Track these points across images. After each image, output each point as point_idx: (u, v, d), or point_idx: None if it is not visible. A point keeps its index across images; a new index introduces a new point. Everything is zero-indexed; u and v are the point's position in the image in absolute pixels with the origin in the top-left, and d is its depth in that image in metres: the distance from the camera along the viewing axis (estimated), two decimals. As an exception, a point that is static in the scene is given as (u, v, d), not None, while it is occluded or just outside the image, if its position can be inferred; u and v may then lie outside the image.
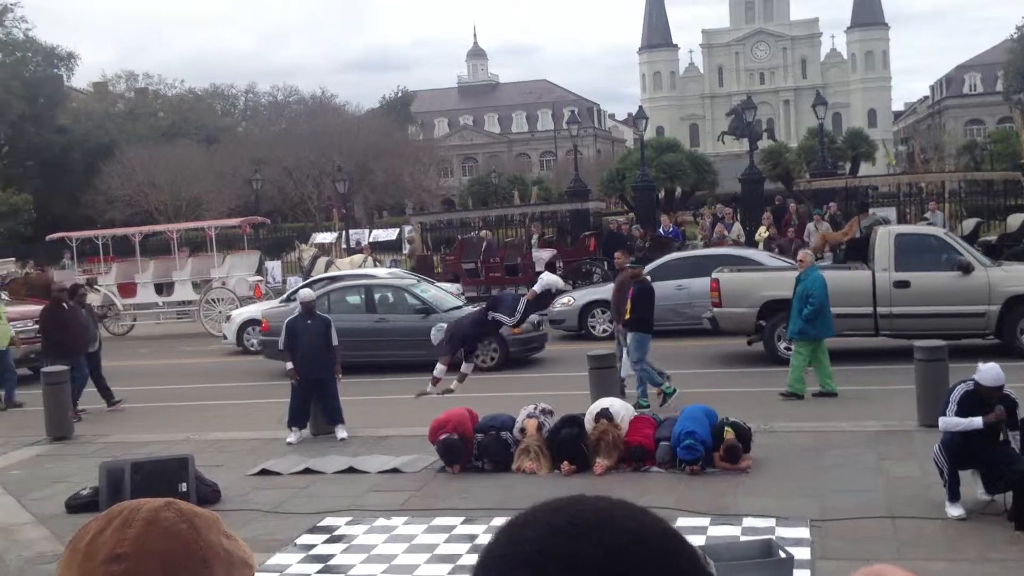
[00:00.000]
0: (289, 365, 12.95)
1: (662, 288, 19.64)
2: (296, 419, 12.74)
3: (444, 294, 20.16)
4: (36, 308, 20.03)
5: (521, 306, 11.99)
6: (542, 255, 25.95)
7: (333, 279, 22.51)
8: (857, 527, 8.21)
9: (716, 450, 10.17)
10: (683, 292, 19.79)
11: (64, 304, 15.62)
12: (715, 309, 17.00)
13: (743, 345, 17.16)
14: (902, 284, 15.96)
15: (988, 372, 8.21)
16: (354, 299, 19.00)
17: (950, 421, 8.24)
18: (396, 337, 18.02)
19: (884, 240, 16.45)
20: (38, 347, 18.29)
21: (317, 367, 12.81)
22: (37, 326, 18.29)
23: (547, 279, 12.40)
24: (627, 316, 13.91)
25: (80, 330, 15.56)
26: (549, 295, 12.37)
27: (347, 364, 17.86)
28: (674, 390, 13.67)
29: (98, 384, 15.99)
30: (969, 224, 27.01)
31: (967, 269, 15.78)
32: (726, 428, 10.30)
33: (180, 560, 1.28)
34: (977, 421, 8.09)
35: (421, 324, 17.75)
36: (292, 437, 12.59)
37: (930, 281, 15.91)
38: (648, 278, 19.20)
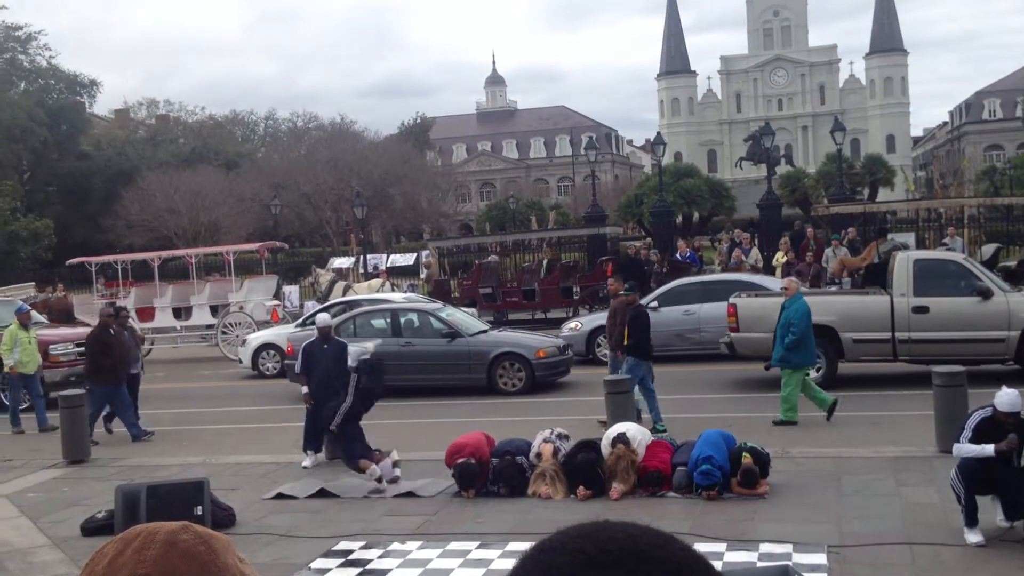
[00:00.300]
0: (304, 389, 12.96)
1: (670, 313, 19.69)
2: (311, 443, 12.75)
3: (470, 318, 20.15)
4: (77, 331, 20.29)
5: (349, 392, 12.12)
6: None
7: (349, 303, 22.56)
8: (875, 553, 8.13)
9: (734, 475, 10.10)
10: (691, 317, 19.86)
11: (111, 328, 15.73)
12: (732, 334, 16.94)
13: (760, 370, 17.06)
14: (921, 309, 15.87)
15: (1004, 397, 8.16)
16: (380, 323, 19.02)
17: (963, 447, 8.23)
18: (422, 361, 18.04)
19: (903, 265, 16.37)
20: (77, 370, 18.58)
21: (332, 392, 12.80)
22: (79, 349, 18.56)
23: (353, 350, 12.56)
24: (625, 342, 13.94)
25: (124, 354, 15.70)
26: (369, 367, 12.39)
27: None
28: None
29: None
30: (988, 249, 26.89)
31: (986, 295, 15.68)
32: (744, 453, 10.23)
33: None
34: (988, 449, 8.05)
35: (447, 348, 17.81)
36: (307, 461, 12.59)
37: (949, 307, 15.81)
38: (656, 304, 19.28)
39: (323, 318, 13.87)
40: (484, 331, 18.94)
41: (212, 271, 35.22)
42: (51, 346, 18.96)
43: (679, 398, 15.68)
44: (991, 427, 8.15)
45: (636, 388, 13.60)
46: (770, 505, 9.74)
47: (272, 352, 22.00)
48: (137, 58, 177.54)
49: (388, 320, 18.95)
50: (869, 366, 16.96)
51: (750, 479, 10.00)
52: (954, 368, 11.64)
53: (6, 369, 16.78)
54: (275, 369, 21.78)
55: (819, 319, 16.39)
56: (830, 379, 16.23)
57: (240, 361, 22.91)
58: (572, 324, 21.49)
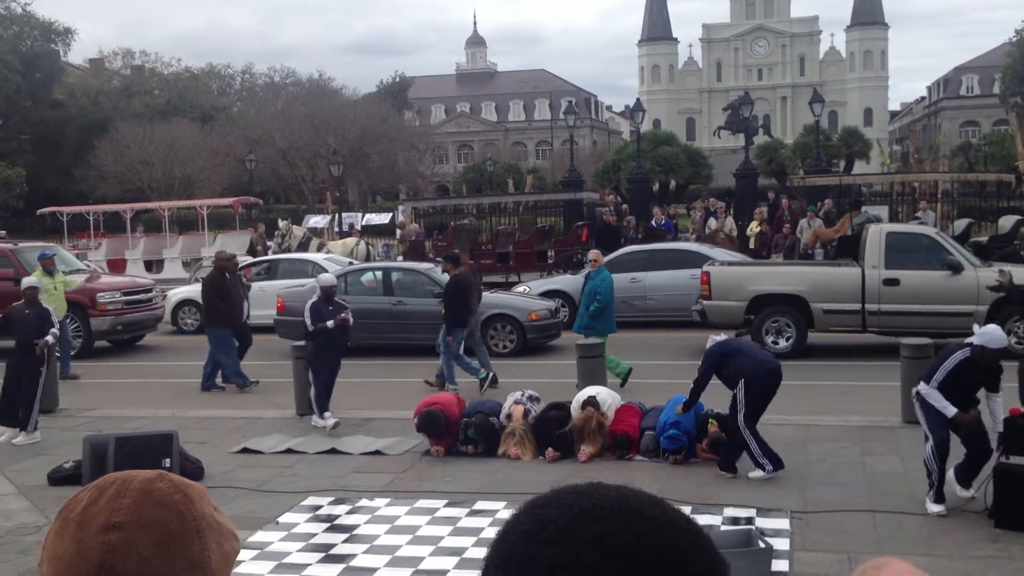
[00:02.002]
0: (331, 323, 12.52)
1: (617, 281, 19.88)
2: (325, 404, 12.37)
3: None
4: (124, 280, 20.15)
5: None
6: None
7: (271, 263, 22.55)
8: (837, 520, 8.24)
9: (700, 441, 10.19)
10: (637, 285, 20.10)
11: (227, 273, 15.59)
12: (705, 302, 17.05)
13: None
14: (891, 282, 16.00)
15: (995, 334, 8.18)
16: (371, 282, 18.97)
17: (931, 394, 8.23)
18: (412, 320, 18.01)
19: (875, 238, 16.48)
20: (125, 319, 18.54)
21: (336, 353, 12.60)
22: (126, 298, 18.78)
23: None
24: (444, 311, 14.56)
25: (239, 299, 15.61)
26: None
27: (363, 346, 17.98)
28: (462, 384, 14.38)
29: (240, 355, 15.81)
30: (960, 224, 27.09)
31: (956, 269, 15.81)
32: (711, 420, 10.33)
33: (176, 530, 1.29)
34: (951, 411, 8.13)
35: (438, 308, 17.75)
36: (328, 421, 12.12)
37: (919, 280, 15.94)
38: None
39: (327, 278, 13.34)
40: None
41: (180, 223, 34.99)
42: (99, 294, 18.78)
43: (643, 364, 15.72)
44: (967, 371, 8.17)
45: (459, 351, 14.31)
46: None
47: (191, 308, 21.70)
48: (113, 7, 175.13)
49: (379, 278, 18.92)
50: (838, 337, 17.10)
51: (718, 446, 10.09)
52: (921, 340, 11.75)
53: None
54: (194, 325, 21.47)
55: (790, 289, 16.55)
56: (799, 348, 16.38)
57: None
58: (520, 288, 21.55)
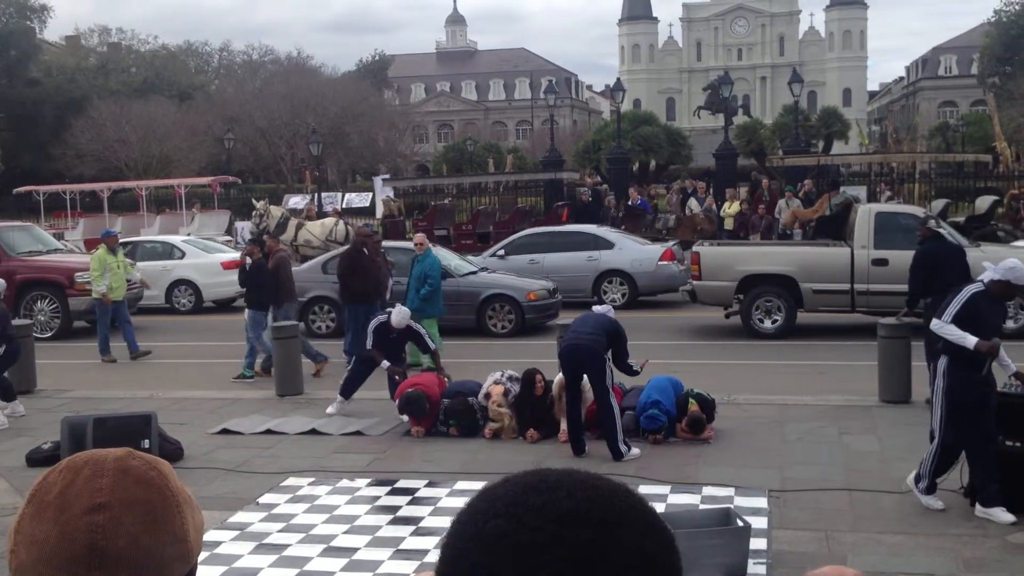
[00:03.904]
0: (385, 363, 11.80)
1: (516, 262, 20.23)
2: (350, 392, 11.92)
3: (460, 259, 19.88)
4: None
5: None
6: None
7: (130, 244, 22.49)
8: (815, 499, 8.29)
9: (680, 420, 10.24)
10: (536, 267, 20.37)
11: (364, 250, 15.12)
12: (695, 282, 17.12)
13: (720, 318, 17.29)
14: (880, 262, 16.04)
15: (1020, 269, 7.54)
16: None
17: (946, 328, 7.60)
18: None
19: (864, 218, 16.52)
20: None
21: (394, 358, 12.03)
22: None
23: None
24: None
25: (376, 277, 15.15)
26: None
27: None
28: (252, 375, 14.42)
29: None
30: (938, 205, 27.19)
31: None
32: (690, 400, 10.37)
33: (158, 506, 1.30)
34: (970, 340, 7.50)
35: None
36: (336, 407, 11.78)
37: (908, 260, 15.94)
38: (503, 253, 20.07)
39: (401, 316, 11.93)
40: (474, 272, 18.82)
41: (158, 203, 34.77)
42: (77, 274, 18.48)
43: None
44: (981, 307, 7.66)
45: (265, 335, 14.24)
46: (714, 450, 9.89)
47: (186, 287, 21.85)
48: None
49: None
50: (819, 317, 17.18)
51: (697, 426, 10.15)
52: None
53: (95, 296, 16.19)
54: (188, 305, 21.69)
55: (779, 269, 16.59)
56: (788, 328, 16.44)
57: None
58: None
